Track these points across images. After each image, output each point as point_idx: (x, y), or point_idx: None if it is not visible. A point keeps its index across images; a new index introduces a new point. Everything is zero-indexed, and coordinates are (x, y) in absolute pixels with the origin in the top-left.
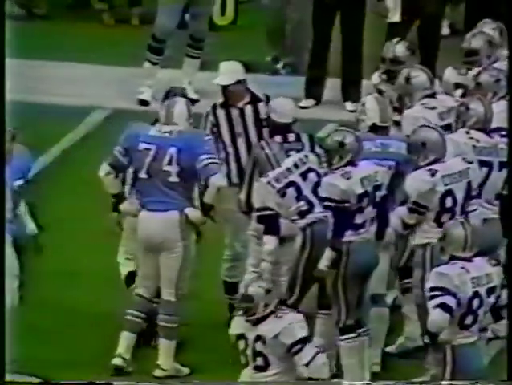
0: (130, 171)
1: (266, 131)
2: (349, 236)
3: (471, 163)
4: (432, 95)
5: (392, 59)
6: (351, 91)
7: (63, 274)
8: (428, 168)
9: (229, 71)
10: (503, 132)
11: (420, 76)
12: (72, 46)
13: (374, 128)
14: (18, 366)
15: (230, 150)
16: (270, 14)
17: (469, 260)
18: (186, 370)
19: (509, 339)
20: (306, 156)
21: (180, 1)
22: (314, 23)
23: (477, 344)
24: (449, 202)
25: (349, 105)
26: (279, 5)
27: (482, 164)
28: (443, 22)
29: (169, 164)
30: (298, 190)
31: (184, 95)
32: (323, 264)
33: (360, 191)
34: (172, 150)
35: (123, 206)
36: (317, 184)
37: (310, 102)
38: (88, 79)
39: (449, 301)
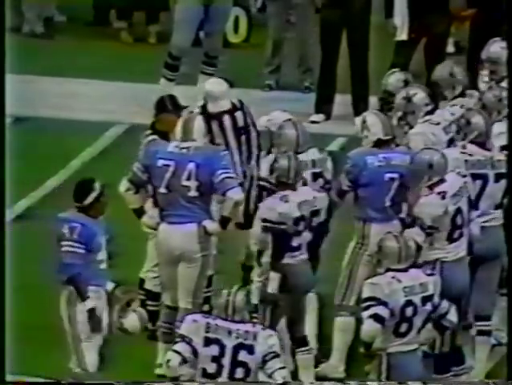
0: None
1: (243, 139)
2: (287, 258)
3: (465, 176)
4: (432, 111)
5: (385, 91)
6: (360, 107)
7: None
8: (437, 191)
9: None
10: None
11: (418, 93)
12: (92, 64)
13: (378, 143)
14: None
15: None
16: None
17: (403, 270)
18: None
19: (510, 340)
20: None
21: (195, 19)
22: (322, 41)
23: (413, 353)
24: (459, 220)
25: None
26: (280, 21)
27: (476, 176)
28: (448, 40)
29: (188, 179)
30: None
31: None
32: (271, 287)
33: (297, 214)
34: (191, 165)
35: (144, 220)
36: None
37: (321, 117)
38: (107, 96)
39: (381, 311)
